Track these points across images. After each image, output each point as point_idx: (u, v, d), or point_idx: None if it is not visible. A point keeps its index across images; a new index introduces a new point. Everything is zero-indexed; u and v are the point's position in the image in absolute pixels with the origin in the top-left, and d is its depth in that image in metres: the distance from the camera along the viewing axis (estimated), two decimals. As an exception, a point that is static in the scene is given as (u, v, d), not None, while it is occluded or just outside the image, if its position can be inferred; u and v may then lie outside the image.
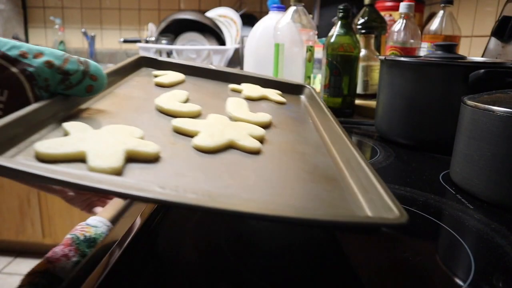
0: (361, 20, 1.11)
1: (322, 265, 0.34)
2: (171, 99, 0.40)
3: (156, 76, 0.50)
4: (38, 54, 0.32)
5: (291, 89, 0.57)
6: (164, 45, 1.76)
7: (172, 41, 1.79)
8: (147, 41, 1.80)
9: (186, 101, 0.42)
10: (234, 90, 0.52)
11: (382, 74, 0.71)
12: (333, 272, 0.33)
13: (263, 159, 0.32)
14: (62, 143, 0.26)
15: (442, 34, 1.00)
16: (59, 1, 2.10)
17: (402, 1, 1.03)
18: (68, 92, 0.34)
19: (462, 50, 1.14)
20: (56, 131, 0.30)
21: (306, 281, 0.31)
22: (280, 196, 0.27)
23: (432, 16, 1.20)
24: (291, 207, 0.26)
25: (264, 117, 0.41)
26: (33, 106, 0.30)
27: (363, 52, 1.01)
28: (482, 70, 0.57)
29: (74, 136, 0.28)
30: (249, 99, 0.48)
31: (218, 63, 1.72)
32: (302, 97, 0.56)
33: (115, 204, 0.54)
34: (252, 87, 0.52)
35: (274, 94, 0.52)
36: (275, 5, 1.19)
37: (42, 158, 0.25)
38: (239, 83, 0.54)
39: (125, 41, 1.89)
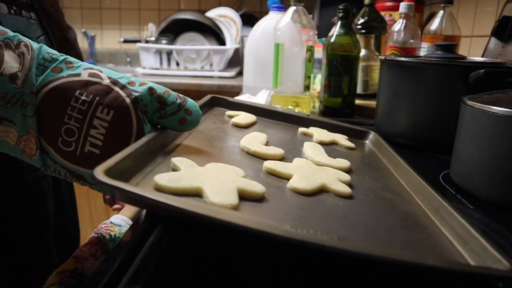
0: (361, 20, 1.11)
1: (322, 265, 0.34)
2: (255, 142, 0.43)
3: (230, 116, 0.55)
4: (143, 83, 0.36)
5: (355, 134, 0.58)
6: (164, 45, 1.76)
7: (172, 41, 1.79)
8: (147, 41, 1.80)
9: (267, 143, 0.46)
10: (304, 134, 0.54)
11: (382, 74, 0.71)
12: (333, 272, 0.33)
13: (355, 204, 0.34)
14: (179, 178, 0.29)
15: (442, 34, 1.00)
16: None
17: (402, 1, 1.03)
18: (162, 122, 0.37)
19: (462, 50, 1.14)
20: (163, 165, 0.33)
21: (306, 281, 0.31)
22: (381, 241, 0.29)
23: (432, 16, 1.20)
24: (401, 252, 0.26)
25: (345, 163, 0.43)
26: (141, 141, 0.32)
27: (363, 52, 1.01)
28: (482, 70, 0.57)
29: (186, 171, 0.30)
30: (321, 143, 0.51)
31: (218, 63, 1.72)
32: (367, 142, 0.58)
33: None
34: (321, 131, 0.55)
35: (342, 139, 0.54)
36: (275, 5, 1.19)
37: (162, 190, 0.27)
38: (305, 126, 0.56)
39: (125, 41, 1.89)
